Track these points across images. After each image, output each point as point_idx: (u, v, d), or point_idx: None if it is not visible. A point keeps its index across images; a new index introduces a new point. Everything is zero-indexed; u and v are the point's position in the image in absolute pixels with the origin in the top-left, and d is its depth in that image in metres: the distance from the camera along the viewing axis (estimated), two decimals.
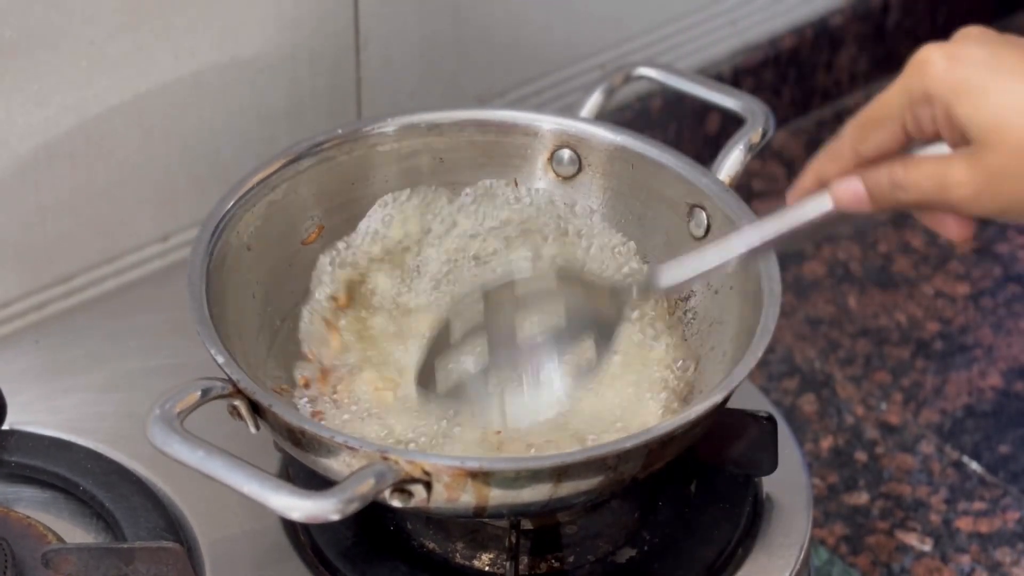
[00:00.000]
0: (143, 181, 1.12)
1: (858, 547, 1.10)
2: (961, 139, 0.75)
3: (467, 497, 0.82)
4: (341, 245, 0.99)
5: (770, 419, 0.94)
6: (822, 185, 0.79)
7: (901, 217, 1.36)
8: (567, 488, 0.83)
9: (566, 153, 1.02)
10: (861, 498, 1.13)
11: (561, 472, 0.83)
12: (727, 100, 1.04)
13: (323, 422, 0.92)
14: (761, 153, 1.02)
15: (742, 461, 0.95)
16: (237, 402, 0.85)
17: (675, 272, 0.86)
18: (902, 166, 0.76)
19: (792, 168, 1.42)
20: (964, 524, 1.12)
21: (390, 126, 1.01)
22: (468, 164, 1.03)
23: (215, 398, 0.85)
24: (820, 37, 1.44)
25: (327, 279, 0.98)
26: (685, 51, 1.36)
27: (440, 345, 0.90)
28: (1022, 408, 1.21)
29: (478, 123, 1.02)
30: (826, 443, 1.17)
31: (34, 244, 1.09)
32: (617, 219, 1.02)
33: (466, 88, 1.24)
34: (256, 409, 0.85)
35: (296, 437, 0.84)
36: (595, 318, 0.88)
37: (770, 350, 1.21)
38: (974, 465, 1.16)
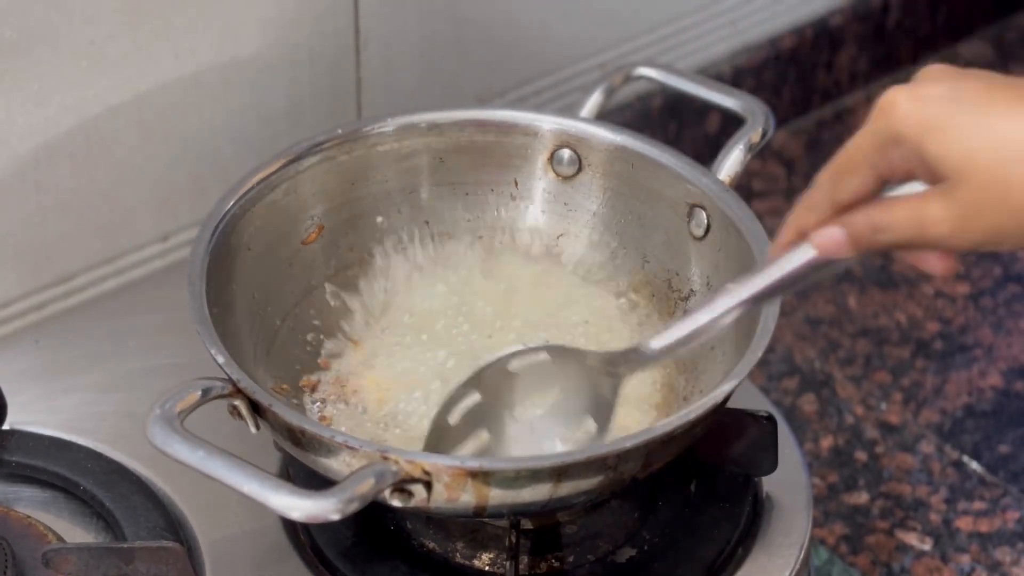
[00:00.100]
0: (143, 181, 1.12)
1: (858, 547, 1.10)
2: (934, 176, 0.75)
3: (467, 497, 0.82)
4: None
5: (770, 419, 0.94)
6: (802, 237, 0.79)
7: None
8: (567, 488, 0.83)
9: (566, 153, 1.02)
10: (861, 498, 1.13)
11: (561, 472, 0.82)
12: (727, 100, 1.04)
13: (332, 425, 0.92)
14: (761, 153, 1.03)
15: (742, 461, 0.95)
16: (237, 402, 0.85)
17: (666, 338, 0.85)
18: (879, 209, 0.76)
19: (792, 168, 1.42)
20: (964, 524, 1.12)
21: (390, 126, 1.01)
22: (468, 164, 1.03)
23: (215, 398, 0.84)
24: (820, 37, 1.44)
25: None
26: (685, 51, 1.36)
27: (439, 430, 0.88)
28: (1022, 408, 1.21)
29: (478, 123, 1.02)
30: (826, 443, 1.17)
31: (34, 244, 1.09)
32: (617, 219, 1.02)
33: (466, 88, 1.24)
34: (256, 409, 0.85)
35: (296, 437, 0.84)
36: (591, 392, 0.88)
37: (770, 350, 1.21)
38: (974, 465, 1.16)
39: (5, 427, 0.97)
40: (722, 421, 0.91)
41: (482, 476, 0.81)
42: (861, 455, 1.17)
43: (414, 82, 1.21)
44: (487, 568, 0.92)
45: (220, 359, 0.85)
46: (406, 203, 1.03)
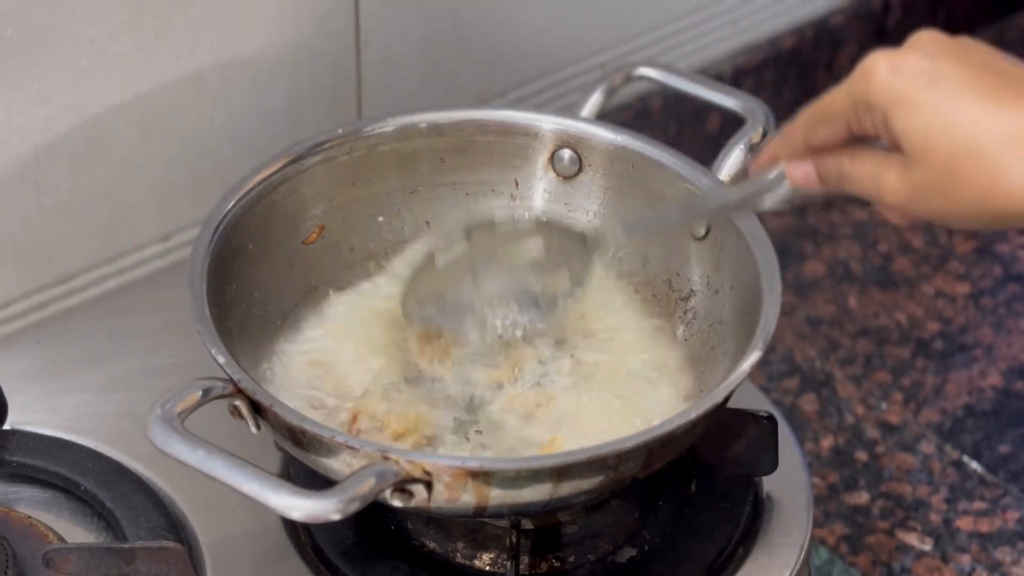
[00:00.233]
0: (143, 181, 1.12)
1: (858, 547, 1.10)
2: (897, 147, 0.77)
3: (468, 497, 0.82)
4: None
5: (770, 419, 0.94)
6: (776, 163, 0.84)
7: None
8: (567, 488, 0.83)
9: (566, 153, 1.02)
10: (861, 498, 1.13)
11: (561, 472, 0.83)
12: (727, 100, 1.04)
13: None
14: None
15: (742, 461, 0.95)
16: (238, 402, 0.85)
17: (639, 224, 0.94)
18: (848, 160, 0.80)
19: None
20: (964, 524, 1.12)
21: (390, 126, 1.01)
22: (468, 164, 1.03)
23: (216, 398, 0.84)
24: (821, 37, 1.44)
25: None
26: (685, 51, 1.36)
27: (425, 275, 0.94)
28: (1022, 408, 1.21)
29: (479, 123, 1.02)
30: (826, 443, 1.17)
31: (35, 244, 1.09)
32: (617, 219, 1.02)
33: (466, 88, 1.24)
34: (257, 409, 0.85)
35: (297, 437, 0.84)
36: (569, 258, 0.94)
37: (770, 350, 1.21)
38: (974, 465, 1.16)
39: (6, 427, 0.97)
40: (723, 421, 0.91)
41: (483, 476, 0.81)
42: (861, 455, 1.17)
43: (414, 82, 1.21)
44: (488, 568, 0.92)
45: (221, 359, 0.85)
46: (406, 203, 1.03)
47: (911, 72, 0.76)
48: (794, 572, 0.93)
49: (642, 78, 1.07)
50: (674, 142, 1.02)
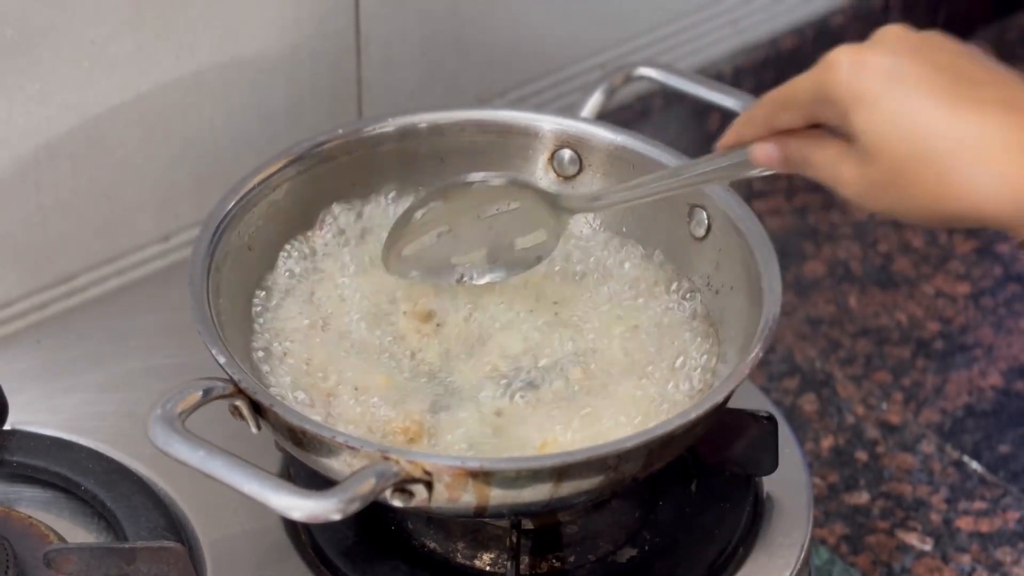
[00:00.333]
0: (144, 181, 1.12)
1: (858, 547, 1.10)
2: (855, 142, 0.78)
3: (468, 497, 0.82)
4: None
5: (771, 419, 0.94)
6: (742, 142, 0.85)
7: None
8: (568, 488, 0.83)
9: (567, 153, 1.02)
10: (862, 498, 1.13)
11: (562, 472, 0.83)
12: (727, 100, 1.04)
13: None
14: None
15: (743, 461, 0.95)
16: (238, 402, 0.85)
17: (609, 194, 0.96)
18: (811, 145, 0.81)
19: None
20: (964, 523, 1.12)
21: (391, 126, 1.01)
22: (469, 164, 1.03)
23: (216, 398, 0.84)
24: (821, 37, 1.44)
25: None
26: (685, 51, 1.36)
27: (402, 228, 0.96)
28: (1022, 407, 1.21)
29: (479, 123, 1.02)
30: (826, 443, 1.17)
31: (35, 244, 1.09)
32: (618, 219, 1.02)
33: (466, 88, 1.24)
34: (257, 409, 0.85)
35: (297, 437, 0.84)
36: (543, 214, 0.96)
37: (771, 350, 1.21)
38: (974, 464, 1.16)
39: (6, 427, 0.97)
40: (723, 421, 0.91)
41: (483, 476, 0.82)
42: (862, 455, 1.17)
43: (415, 82, 1.21)
44: (488, 568, 0.92)
45: (221, 359, 0.85)
46: (407, 203, 1.03)
47: (872, 69, 0.76)
48: (794, 572, 0.93)
49: (642, 78, 1.07)
50: (674, 142, 1.02)
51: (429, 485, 0.81)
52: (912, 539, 1.11)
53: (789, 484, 0.97)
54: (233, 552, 0.93)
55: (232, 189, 0.96)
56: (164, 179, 1.12)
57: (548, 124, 1.02)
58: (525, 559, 0.92)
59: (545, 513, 0.91)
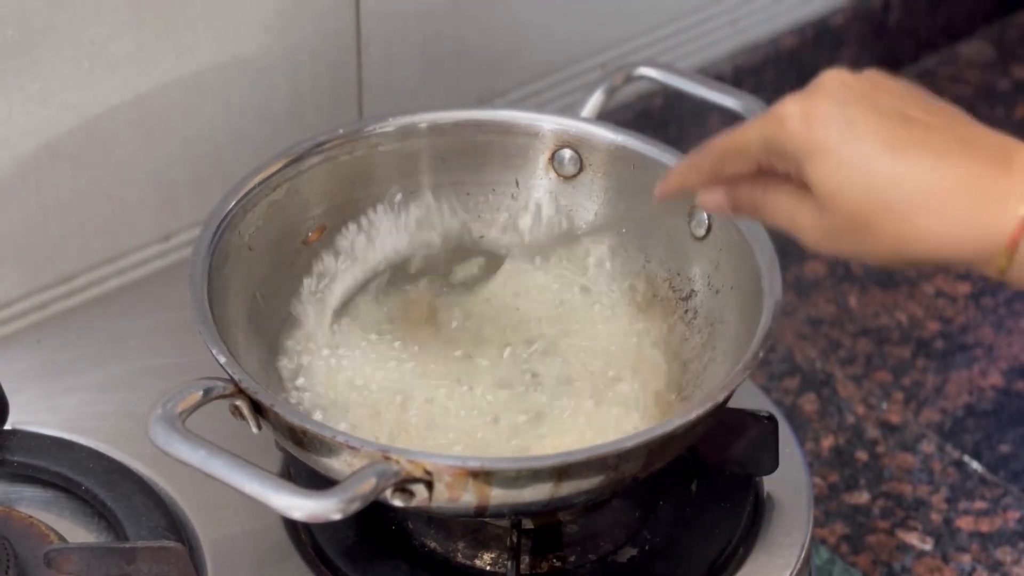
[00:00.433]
0: (144, 181, 1.12)
1: (859, 546, 1.10)
2: (810, 190, 0.78)
3: (468, 496, 0.82)
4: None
5: (771, 418, 0.94)
6: (685, 190, 0.85)
7: None
8: (568, 487, 0.83)
9: (567, 153, 1.02)
10: (862, 497, 1.14)
11: (562, 471, 0.83)
12: (728, 100, 1.04)
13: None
14: None
15: (743, 460, 0.95)
16: (239, 402, 0.85)
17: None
18: (763, 192, 0.81)
19: None
20: (965, 523, 1.12)
21: (391, 126, 1.01)
22: (469, 164, 1.03)
23: (217, 398, 0.84)
24: (821, 36, 1.44)
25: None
26: (686, 51, 1.36)
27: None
28: (1022, 407, 1.21)
29: (479, 123, 1.02)
30: (827, 442, 1.17)
31: (35, 244, 1.09)
32: (618, 219, 1.02)
33: (467, 88, 1.24)
34: (258, 409, 0.85)
35: (298, 437, 0.84)
36: None
37: (771, 349, 1.21)
38: (975, 464, 1.16)
39: (7, 427, 0.97)
40: (723, 421, 0.91)
41: (483, 476, 0.82)
42: (862, 455, 1.17)
43: (415, 82, 1.21)
44: (488, 568, 0.92)
45: (222, 359, 0.85)
46: (407, 203, 1.03)
47: (822, 121, 0.76)
48: (795, 572, 0.93)
49: (642, 78, 1.07)
50: (675, 142, 1.02)
51: (429, 485, 0.81)
52: (912, 539, 1.11)
53: (789, 484, 0.97)
54: (234, 552, 0.93)
55: (232, 189, 0.96)
56: (164, 179, 1.12)
57: (548, 124, 1.02)
58: (525, 559, 0.92)
59: (545, 513, 0.91)
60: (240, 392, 0.85)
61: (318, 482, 0.82)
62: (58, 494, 0.96)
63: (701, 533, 0.94)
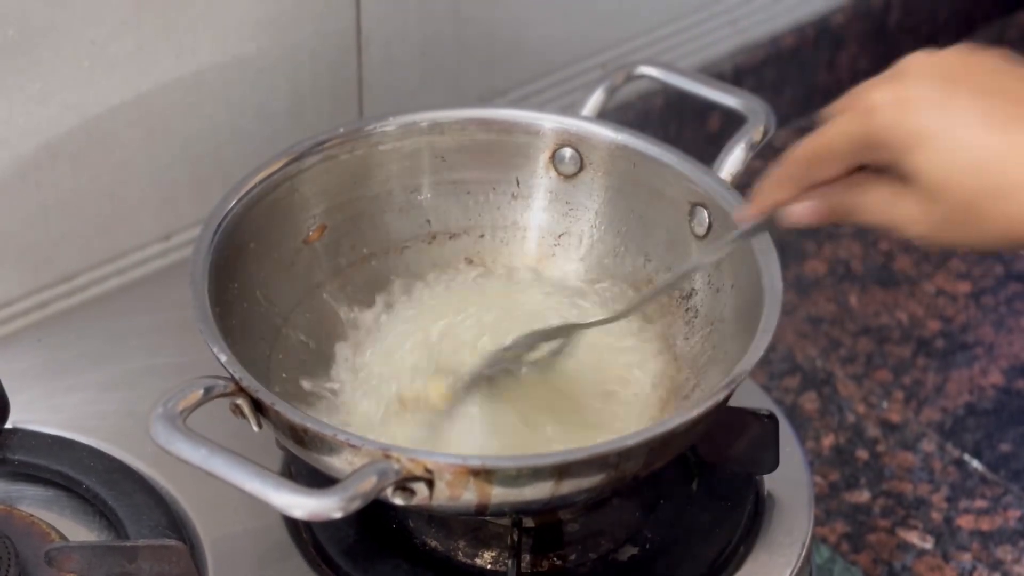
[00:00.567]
0: (145, 180, 1.12)
1: (859, 545, 1.10)
2: (911, 182, 0.75)
3: (469, 495, 0.82)
4: None
5: (771, 417, 0.94)
6: (777, 207, 0.82)
7: None
8: (569, 486, 0.83)
9: (567, 152, 1.02)
10: (862, 496, 1.14)
11: (563, 470, 0.83)
12: (728, 99, 1.04)
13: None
14: (762, 152, 1.03)
15: (744, 459, 0.95)
16: (240, 400, 0.85)
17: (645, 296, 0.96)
18: (859, 193, 0.77)
19: None
20: (965, 522, 1.12)
21: (392, 125, 1.01)
22: (470, 163, 1.03)
23: (218, 396, 0.85)
24: (821, 36, 1.44)
25: None
26: (686, 50, 1.36)
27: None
28: (1023, 406, 1.21)
29: (480, 122, 1.02)
30: (827, 441, 1.17)
31: (36, 243, 1.09)
32: (619, 218, 1.02)
33: (467, 87, 1.24)
34: (258, 407, 0.85)
35: (298, 435, 0.84)
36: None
37: (771, 348, 1.20)
38: (975, 463, 1.16)
39: (8, 426, 0.97)
40: (724, 419, 0.91)
41: (484, 474, 0.82)
42: (862, 453, 1.17)
43: (415, 81, 1.21)
44: (489, 566, 0.92)
45: (222, 357, 0.85)
46: (407, 202, 1.03)
47: (919, 106, 0.73)
48: (795, 570, 0.93)
49: (643, 77, 1.07)
50: (675, 141, 1.02)
51: (430, 483, 0.81)
52: (913, 537, 1.11)
53: (790, 482, 0.97)
54: (234, 550, 0.93)
55: (233, 188, 0.96)
56: (165, 178, 1.12)
57: (549, 123, 1.02)
58: (526, 557, 0.92)
59: (546, 511, 0.91)
60: (241, 391, 0.85)
61: (319, 481, 0.82)
62: (59, 493, 0.96)
63: (702, 532, 0.94)
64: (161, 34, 1.07)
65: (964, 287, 1.31)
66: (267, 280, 0.97)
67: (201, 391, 0.84)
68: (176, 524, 0.92)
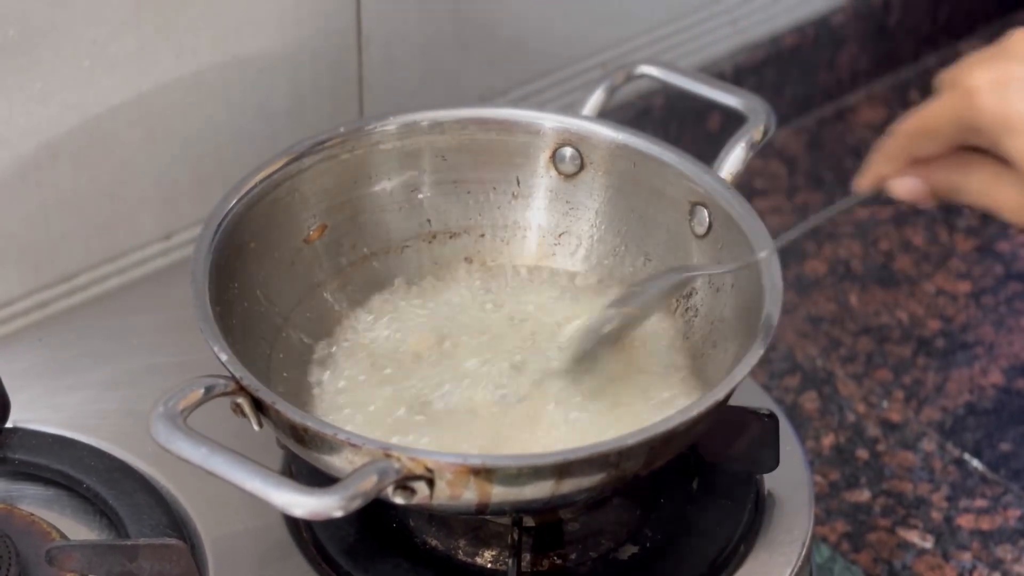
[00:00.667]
0: (145, 180, 1.12)
1: (859, 544, 1.10)
2: (1012, 165, 0.74)
3: (469, 494, 0.82)
4: None
5: (772, 416, 0.94)
6: (882, 182, 0.80)
7: (902, 215, 1.37)
8: (569, 485, 0.83)
9: (568, 151, 1.02)
10: (862, 495, 1.14)
11: (563, 469, 0.83)
12: (728, 98, 1.04)
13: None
14: (763, 151, 1.03)
15: (744, 458, 0.95)
16: (240, 399, 0.85)
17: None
18: (961, 172, 0.76)
19: (793, 166, 1.42)
20: (965, 521, 1.12)
21: (392, 124, 1.02)
22: (470, 162, 1.03)
23: (218, 395, 0.85)
24: (821, 35, 1.44)
25: None
26: (686, 49, 1.36)
27: None
28: (1023, 406, 1.21)
29: (480, 121, 1.03)
30: (827, 440, 1.18)
31: (37, 243, 1.09)
32: (619, 217, 1.02)
33: (468, 87, 1.24)
34: (259, 406, 0.85)
35: (299, 434, 0.84)
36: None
37: (772, 348, 1.21)
38: (975, 462, 1.16)
39: (8, 425, 0.97)
40: (724, 419, 0.91)
41: (484, 473, 0.82)
42: (862, 453, 1.17)
43: (416, 81, 1.21)
44: (489, 565, 0.92)
45: (223, 357, 0.86)
46: (408, 201, 1.03)
47: (1017, 89, 0.71)
48: (795, 569, 0.93)
49: (643, 76, 1.07)
50: (675, 140, 1.02)
51: (431, 482, 0.81)
52: (913, 537, 1.11)
53: (790, 482, 0.97)
54: (235, 549, 0.93)
55: (234, 187, 0.96)
56: (165, 178, 1.13)
57: (549, 122, 1.02)
58: (526, 556, 0.92)
59: (547, 510, 0.91)
60: (241, 390, 0.85)
61: (319, 480, 0.82)
62: (60, 492, 0.96)
63: (702, 531, 0.94)
64: (161, 34, 1.07)
65: (964, 287, 1.31)
66: (267, 279, 0.97)
67: (202, 390, 0.84)
68: (177, 523, 0.92)
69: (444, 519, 0.93)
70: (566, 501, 0.86)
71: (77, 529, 0.94)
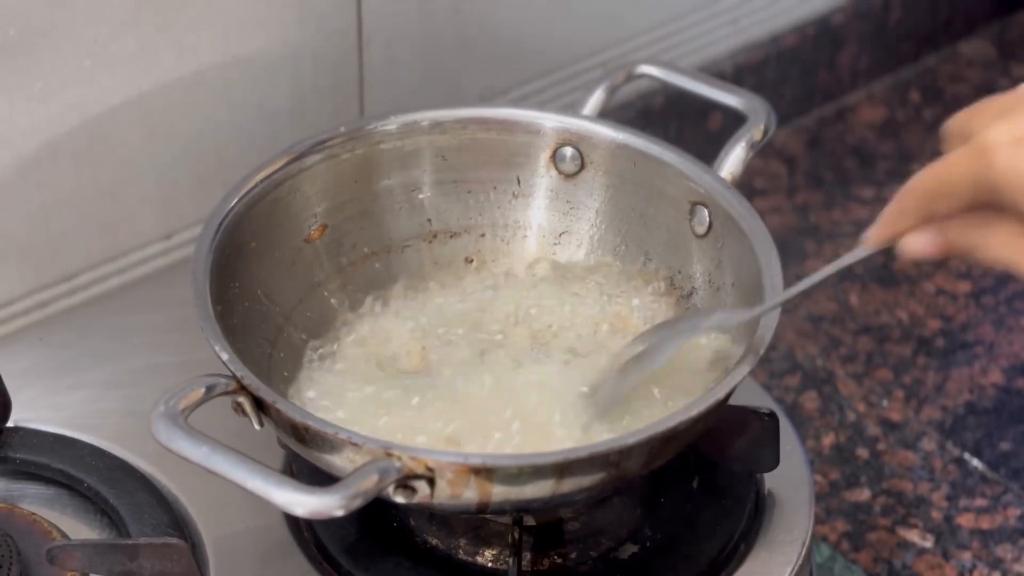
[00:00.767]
0: (146, 179, 1.12)
1: (859, 543, 1.10)
2: None
3: (470, 493, 0.83)
4: None
5: (772, 416, 0.94)
6: (897, 237, 0.79)
7: None
8: (570, 484, 0.83)
9: (568, 151, 1.02)
10: (863, 495, 1.14)
11: (564, 468, 0.83)
12: (729, 98, 1.04)
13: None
14: (763, 151, 1.03)
15: (744, 458, 0.95)
16: (241, 399, 0.85)
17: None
18: (979, 231, 0.75)
19: (793, 166, 1.43)
20: (965, 521, 1.12)
21: (393, 124, 1.02)
22: (470, 162, 1.03)
23: (219, 395, 0.85)
24: (821, 35, 1.44)
25: None
26: (687, 49, 1.36)
27: None
28: (1023, 405, 1.21)
29: (480, 121, 1.03)
30: (828, 440, 1.18)
31: (37, 242, 1.09)
32: (619, 217, 1.02)
33: (468, 86, 1.24)
34: (260, 406, 0.85)
35: (300, 433, 0.84)
36: None
37: (772, 347, 1.21)
38: (975, 462, 1.16)
39: (9, 424, 0.97)
40: (724, 418, 0.91)
41: (485, 472, 0.82)
42: (863, 452, 1.17)
43: (416, 80, 1.21)
44: (490, 564, 0.92)
45: (224, 356, 0.86)
46: (408, 201, 1.03)
47: None
48: (795, 569, 0.93)
49: (644, 76, 1.07)
50: (676, 140, 1.02)
51: (431, 481, 0.81)
52: (913, 536, 1.11)
53: (790, 481, 0.97)
54: (236, 548, 0.93)
55: (234, 187, 0.96)
56: (166, 177, 1.13)
57: (550, 122, 1.02)
58: (527, 555, 0.92)
59: (547, 509, 0.91)
60: (242, 389, 0.85)
61: (320, 479, 0.82)
62: (60, 491, 0.96)
63: (702, 530, 0.94)
64: (162, 33, 1.07)
65: (964, 286, 1.31)
66: (268, 279, 0.97)
67: (203, 389, 0.84)
68: (177, 522, 0.92)
69: (445, 518, 0.93)
70: (566, 500, 0.86)
71: (78, 528, 0.94)
